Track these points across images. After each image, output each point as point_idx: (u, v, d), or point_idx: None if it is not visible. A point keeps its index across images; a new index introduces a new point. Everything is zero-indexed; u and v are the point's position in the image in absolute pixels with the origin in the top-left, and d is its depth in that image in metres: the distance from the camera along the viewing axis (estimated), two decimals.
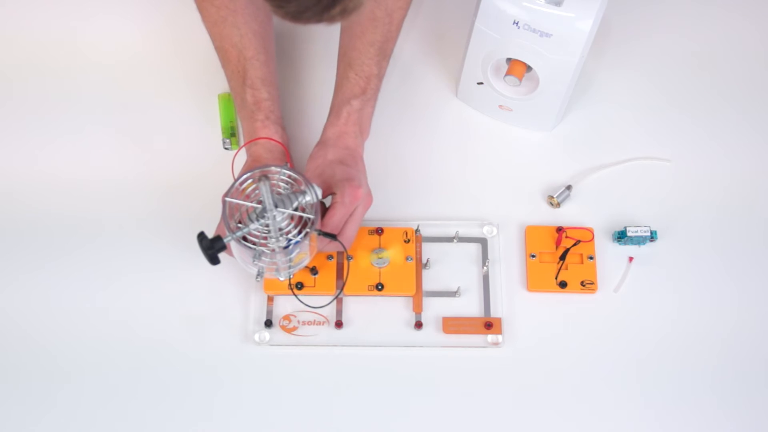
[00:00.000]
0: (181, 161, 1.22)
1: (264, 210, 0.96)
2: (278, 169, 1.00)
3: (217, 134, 1.24)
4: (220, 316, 1.12)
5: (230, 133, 1.24)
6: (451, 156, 1.24)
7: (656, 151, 1.24)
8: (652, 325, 1.13)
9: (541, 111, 1.22)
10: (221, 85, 1.27)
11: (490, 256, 1.16)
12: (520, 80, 1.16)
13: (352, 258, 1.13)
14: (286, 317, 1.12)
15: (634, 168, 1.23)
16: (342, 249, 1.09)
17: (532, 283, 1.14)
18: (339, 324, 1.12)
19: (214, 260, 0.96)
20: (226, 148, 1.23)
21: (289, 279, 1.07)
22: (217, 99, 1.27)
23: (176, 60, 1.30)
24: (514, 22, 1.10)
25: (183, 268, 1.14)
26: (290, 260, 1.02)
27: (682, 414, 1.08)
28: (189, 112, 1.25)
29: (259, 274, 1.01)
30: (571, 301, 1.14)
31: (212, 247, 0.95)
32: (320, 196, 0.99)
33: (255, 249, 0.97)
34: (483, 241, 1.17)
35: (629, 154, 1.24)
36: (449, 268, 1.16)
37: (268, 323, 1.11)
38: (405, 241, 1.15)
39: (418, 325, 1.12)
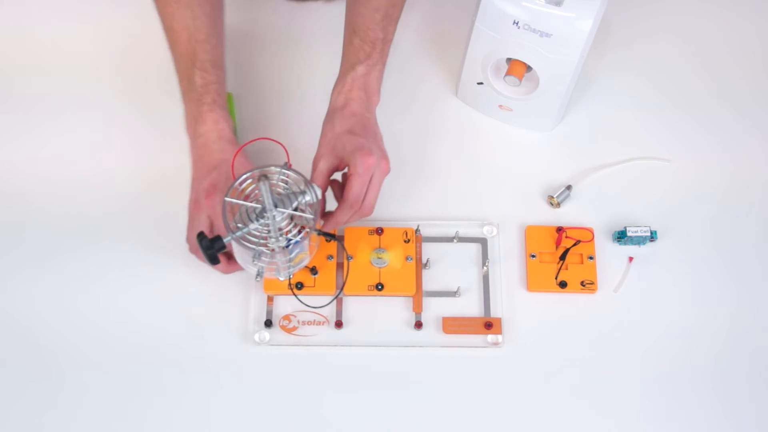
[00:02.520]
0: (181, 161, 1.21)
1: (263, 210, 0.96)
2: (278, 169, 1.00)
3: None
4: (220, 316, 1.12)
5: None
6: (451, 156, 1.24)
7: (656, 150, 1.24)
8: (652, 325, 1.13)
9: (541, 111, 1.22)
10: None
11: (490, 256, 1.16)
12: (520, 80, 1.16)
13: (352, 258, 1.13)
14: (286, 317, 1.12)
15: (634, 168, 1.23)
16: (342, 243, 1.09)
17: (532, 283, 1.14)
18: (339, 324, 1.12)
19: (213, 260, 0.96)
20: None
21: (289, 279, 1.07)
22: None
23: None
24: (514, 22, 1.10)
25: (183, 267, 1.14)
26: (290, 260, 1.02)
27: (682, 414, 1.08)
28: None
29: (259, 274, 1.01)
30: (571, 301, 1.14)
31: (212, 247, 0.95)
32: (320, 196, 0.99)
33: (255, 249, 0.97)
34: (483, 241, 1.17)
35: (629, 154, 1.24)
36: (449, 268, 1.16)
37: (268, 323, 1.11)
38: (405, 241, 1.15)
39: (418, 325, 1.12)
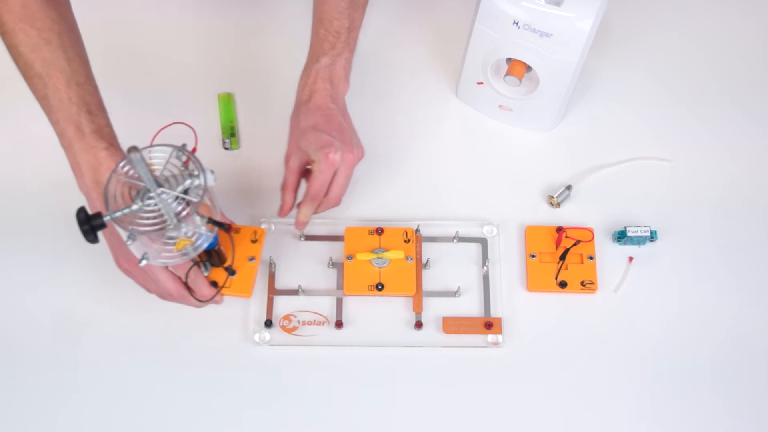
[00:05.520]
0: None
1: (147, 190, 0.91)
2: (168, 149, 0.94)
3: (217, 134, 1.25)
4: (220, 316, 1.12)
5: (230, 133, 1.24)
6: (451, 156, 1.24)
7: (656, 150, 1.24)
8: (652, 326, 1.13)
9: (541, 111, 1.22)
10: (221, 85, 1.27)
11: (490, 256, 1.16)
12: (520, 80, 1.16)
13: (351, 258, 1.13)
14: (286, 317, 1.12)
15: (634, 168, 1.23)
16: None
17: (532, 283, 1.14)
18: (339, 324, 1.12)
19: (88, 236, 0.90)
20: (226, 148, 1.24)
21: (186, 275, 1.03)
22: (217, 99, 1.27)
23: (176, 60, 1.30)
24: (514, 22, 1.10)
25: None
26: (171, 243, 0.96)
27: (682, 413, 1.08)
28: (189, 112, 1.25)
29: (145, 259, 0.95)
30: (571, 301, 1.14)
31: (87, 222, 0.89)
32: (211, 182, 0.93)
33: (129, 230, 0.91)
34: (483, 241, 1.17)
35: (629, 153, 1.24)
36: (449, 268, 1.16)
37: (268, 323, 1.11)
38: (405, 241, 1.15)
39: (418, 325, 1.12)
